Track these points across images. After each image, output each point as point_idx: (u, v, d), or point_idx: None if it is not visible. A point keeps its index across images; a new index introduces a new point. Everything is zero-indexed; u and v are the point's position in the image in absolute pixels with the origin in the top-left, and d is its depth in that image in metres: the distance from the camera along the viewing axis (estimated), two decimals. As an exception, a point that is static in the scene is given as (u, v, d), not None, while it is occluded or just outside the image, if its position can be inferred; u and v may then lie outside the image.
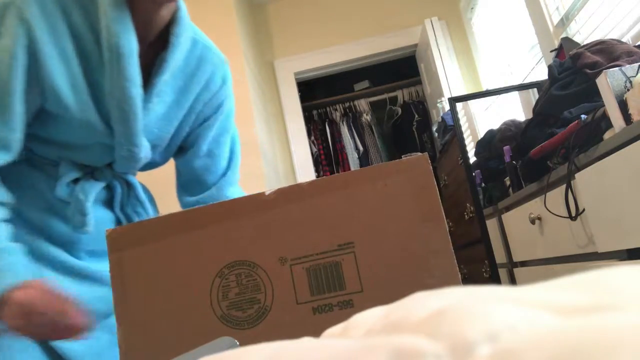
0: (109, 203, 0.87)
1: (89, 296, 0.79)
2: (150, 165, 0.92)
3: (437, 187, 0.55)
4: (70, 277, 0.80)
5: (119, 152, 0.80)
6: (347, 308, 0.53)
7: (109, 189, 0.86)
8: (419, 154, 0.56)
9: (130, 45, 0.74)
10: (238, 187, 1.01)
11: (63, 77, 0.73)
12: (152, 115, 0.81)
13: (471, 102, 2.66)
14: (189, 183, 0.97)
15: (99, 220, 0.82)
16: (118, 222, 0.87)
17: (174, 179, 1.00)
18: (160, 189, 1.06)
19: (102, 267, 0.83)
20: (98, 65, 0.75)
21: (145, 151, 0.81)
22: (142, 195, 0.90)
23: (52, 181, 0.81)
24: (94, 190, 0.81)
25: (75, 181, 0.82)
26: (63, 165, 0.81)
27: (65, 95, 0.74)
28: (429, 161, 0.55)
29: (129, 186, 0.88)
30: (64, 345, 0.76)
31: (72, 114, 0.75)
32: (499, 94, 2.20)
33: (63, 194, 0.80)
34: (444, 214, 0.54)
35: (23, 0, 0.71)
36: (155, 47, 0.81)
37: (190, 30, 0.84)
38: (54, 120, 0.77)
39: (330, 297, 0.54)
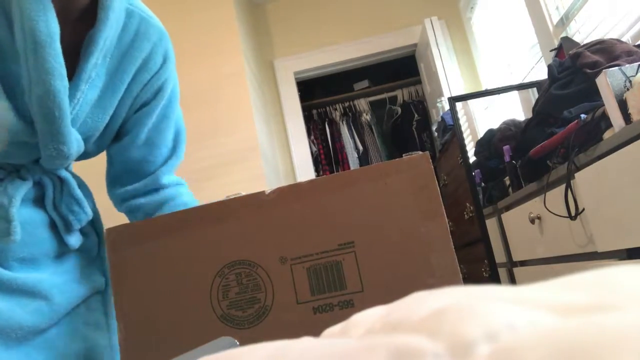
0: (39, 202, 0.75)
1: (20, 311, 0.68)
2: (84, 156, 0.80)
3: (437, 186, 0.55)
4: (1, 292, 0.69)
5: (45, 152, 0.68)
6: (347, 308, 0.53)
7: (39, 185, 0.75)
8: (420, 153, 0.56)
9: (50, 29, 0.61)
10: (174, 176, 0.88)
11: None
12: (83, 104, 0.69)
13: (471, 102, 2.67)
14: (123, 174, 0.85)
15: (28, 222, 0.71)
16: (52, 223, 0.75)
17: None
18: (97, 181, 0.90)
19: (35, 276, 0.71)
20: (13, 55, 0.63)
21: (76, 147, 0.70)
22: (78, 192, 0.77)
23: None
24: (20, 191, 0.70)
25: None
26: None
27: None
28: (430, 160, 0.55)
29: (62, 182, 0.76)
30: None
31: None
32: (499, 93, 2.20)
33: None
34: (445, 213, 0.54)
35: None
36: (83, 23, 0.69)
37: (124, 0, 0.71)
38: None
39: (330, 297, 0.54)
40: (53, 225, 0.75)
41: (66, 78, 0.64)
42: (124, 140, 0.81)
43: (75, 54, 0.68)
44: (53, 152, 0.67)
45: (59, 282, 0.73)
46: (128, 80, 0.75)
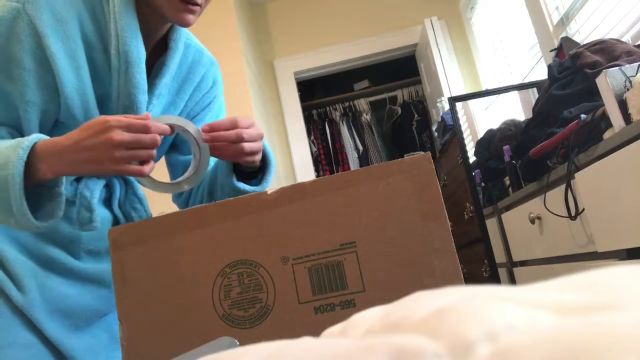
0: (107, 202, 0.87)
1: (88, 297, 0.81)
2: None
3: (439, 186, 0.55)
4: (70, 279, 0.81)
5: None
6: (349, 308, 0.53)
7: (107, 187, 0.86)
8: (422, 153, 0.56)
9: (139, 53, 0.75)
10: None
11: (74, 87, 0.74)
12: (152, 116, 0.81)
13: (471, 102, 2.66)
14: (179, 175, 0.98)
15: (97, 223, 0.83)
16: (116, 220, 0.87)
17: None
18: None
19: (100, 267, 0.84)
20: (105, 74, 0.77)
21: None
22: (140, 192, 0.90)
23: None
24: (97, 187, 0.81)
25: (77, 180, 0.82)
26: None
27: (74, 105, 0.74)
28: (432, 161, 0.56)
29: (127, 183, 0.88)
30: (65, 343, 0.77)
31: (78, 125, 0.75)
32: (499, 93, 2.20)
33: (67, 192, 0.80)
34: (446, 213, 0.54)
35: (34, 7, 0.70)
36: (153, 52, 0.84)
37: (184, 34, 0.88)
38: (60, 129, 0.77)
39: (332, 297, 0.54)
40: (117, 222, 0.86)
41: (147, 93, 0.78)
42: (177, 150, 0.96)
43: (147, 75, 0.81)
44: None
45: None
46: (187, 98, 0.91)
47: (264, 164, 0.86)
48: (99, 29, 0.76)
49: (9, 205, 0.65)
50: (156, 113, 0.84)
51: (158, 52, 0.84)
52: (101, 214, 0.84)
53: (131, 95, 0.76)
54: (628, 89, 1.01)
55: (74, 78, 0.74)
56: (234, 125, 0.73)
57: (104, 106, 0.78)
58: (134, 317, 0.57)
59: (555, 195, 1.25)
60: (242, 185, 0.84)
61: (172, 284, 0.57)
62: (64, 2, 0.73)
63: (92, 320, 0.82)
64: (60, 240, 0.81)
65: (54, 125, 0.78)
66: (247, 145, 0.74)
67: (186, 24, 0.76)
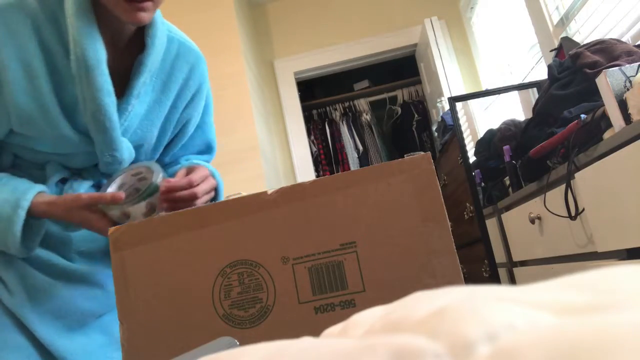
0: None
1: (80, 298, 0.81)
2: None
3: (439, 186, 0.55)
4: (62, 280, 0.81)
5: (102, 158, 0.80)
6: (349, 308, 0.53)
7: (97, 188, 0.86)
8: (422, 153, 0.56)
9: (97, 55, 0.73)
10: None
11: (29, 96, 0.73)
12: (133, 117, 0.81)
13: (471, 102, 2.66)
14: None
15: None
16: (113, 223, 0.87)
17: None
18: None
19: (93, 268, 0.84)
20: (70, 78, 0.75)
21: (128, 154, 0.82)
22: None
23: (40, 183, 0.81)
24: (82, 189, 0.82)
25: (64, 181, 0.82)
26: (50, 167, 0.82)
27: (32, 115, 0.74)
28: (432, 161, 0.56)
29: None
30: (56, 344, 0.77)
31: (44, 132, 0.75)
32: (499, 93, 2.20)
33: (52, 193, 0.80)
34: (446, 213, 0.54)
35: None
36: (131, 49, 0.81)
37: (165, 29, 0.84)
38: (31, 137, 0.77)
39: (332, 297, 0.54)
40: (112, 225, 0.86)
41: (114, 94, 0.76)
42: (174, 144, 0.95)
43: (126, 75, 0.80)
44: (109, 158, 0.80)
45: (111, 272, 0.83)
46: (173, 97, 0.87)
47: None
48: (60, 33, 0.74)
49: (5, 245, 0.74)
50: (139, 112, 0.82)
51: (136, 50, 0.81)
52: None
53: (96, 100, 0.74)
54: (628, 89, 1.01)
55: (29, 87, 0.73)
56: (189, 185, 0.75)
57: (72, 111, 0.77)
58: (134, 317, 0.57)
59: (555, 195, 1.25)
60: None
61: (172, 284, 0.57)
62: (18, 12, 0.72)
63: (86, 322, 0.82)
64: (50, 242, 0.81)
65: (10, 132, 0.78)
66: (199, 202, 0.78)
67: (139, 23, 0.73)
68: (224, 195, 0.89)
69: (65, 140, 0.77)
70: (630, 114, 0.97)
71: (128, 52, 0.81)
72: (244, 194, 0.59)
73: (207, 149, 1.01)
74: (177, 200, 0.75)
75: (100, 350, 0.81)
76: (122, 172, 0.80)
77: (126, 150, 0.81)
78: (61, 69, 0.75)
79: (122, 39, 0.80)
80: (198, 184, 0.77)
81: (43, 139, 0.77)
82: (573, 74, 1.36)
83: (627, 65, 1.07)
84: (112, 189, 0.78)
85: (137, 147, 0.85)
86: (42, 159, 0.82)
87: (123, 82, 0.79)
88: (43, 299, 0.78)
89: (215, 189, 0.85)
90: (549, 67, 1.48)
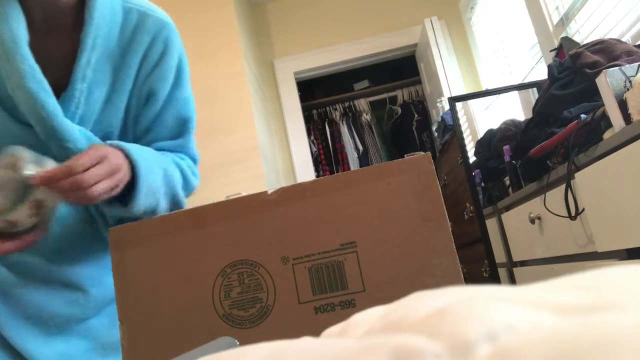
0: None
1: (58, 302, 0.75)
2: None
3: (439, 186, 0.55)
4: (40, 283, 0.75)
5: (53, 151, 0.71)
6: (349, 308, 0.53)
7: None
8: (422, 153, 0.56)
9: (15, 37, 0.66)
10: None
11: None
12: (91, 103, 0.73)
13: (471, 102, 2.67)
14: None
15: (65, 217, 0.76)
16: (91, 219, 0.79)
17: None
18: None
19: (73, 269, 0.77)
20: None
21: (86, 144, 0.72)
22: None
23: None
24: None
25: None
26: None
27: None
28: (432, 161, 0.56)
29: None
30: (32, 351, 0.72)
31: None
32: (499, 93, 2.20)
33: None
34: (446, 213, 0.54)
35: None
36: (74, 31, 0.73)
37: (115, 2, 0.75)
38: None
39: (332, 297, 0.54)
40: (92, 221, 0.79)
41: (43, 79, 0.68)
42: (152, 130, 0.84)
43: (74, 58, 0.71)
44: (60, 150, 0.70)
45: (95, 274, 0.78)
46: (133, 74, 0.77)
47: (135, 184, 0.71)
48: None
49: None
50: (98, 99, 0.74)
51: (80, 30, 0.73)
52: (70, 212, 0.77)
53: (23, 87, 0.66)
54: (628, 89, 1.01)
55: None
56: (67, 173, 0.61)
57: (9, 100, 0.70)
58: (134, 317, 0.57)
59: (555, 195, 1.25)
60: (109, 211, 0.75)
61: (172, 284, 0.57)
62: None
63: (66, 327, 0.76)
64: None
65: None
66: (95, 189, 0.63)
67: None
68: (177, 181, 0.79)
69: (8, 133, 0.70)
70: (630, 114, 0.97)
71: (73, 33, 0.72)
72: (244, 194, 0.59)
73: (181, 130, 0.87)
74: (61, 191, 0.62)
75: (83, 355, 0.76)
76: None
77: (83, 140, 0.72)
78: None
79: (57, 18, 0.71)
80: (85, 169, 0.62)
81: None
82: (573, 74, 1.36)
83: (627, 65, 1.07)
84: None
85: (105, 136, 0.77)
86: None
87: (70, 66, 0.71)
88: (19, 303, 0.73)
89: (133, 171, 0.70)
90: (549, 67, 1.48)
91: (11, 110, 0.70)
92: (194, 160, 0.90)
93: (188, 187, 0.86)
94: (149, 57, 0.78)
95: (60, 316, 0.75)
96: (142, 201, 0.72)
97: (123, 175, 0.68)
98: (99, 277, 0.79)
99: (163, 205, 0.78)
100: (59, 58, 0.70)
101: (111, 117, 0.77)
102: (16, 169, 0.61)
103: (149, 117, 0.82)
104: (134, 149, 0.71)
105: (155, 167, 0.74)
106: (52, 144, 0.70)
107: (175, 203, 0.81)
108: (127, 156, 0.70)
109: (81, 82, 0.71)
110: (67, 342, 0.75)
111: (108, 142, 0.71)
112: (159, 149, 0.83)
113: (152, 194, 0.73)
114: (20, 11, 0.67)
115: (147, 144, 0.82)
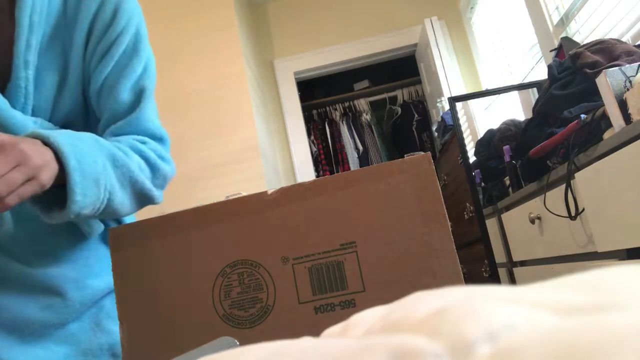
0: None
1: (33, 307, 0.68)
2: None
3: (439, 187, 0.55)
4: (13, 288, 0.68)
5: None
6: (349, 308, 0.53)
7: None
8: (422, 153, 0.56)
9: None
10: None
11: None
12: (42, 90, 0.65)
13: (471, 102, 2.67)
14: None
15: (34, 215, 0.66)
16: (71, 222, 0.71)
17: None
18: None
19: (50, 271, 0.69)
20: None
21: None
22: None
23: None
24: None
25: None
26: None
27: None
28: (432, 161, 0.56)
29: None
30: (6, 357, 0.66)
31: None
32: (499, 93, 2.20)
33: None
34: (446, 213, 0.54)
35: None
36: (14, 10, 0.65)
37: None
38: None
39: (332, 297, 0.54)
40: (72, 224, 0.72)
41: None
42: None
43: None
44: None
45: (74, 276, 0.72)
46: (82, 50, 0.69)
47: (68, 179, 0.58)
48: None
49: None
50: (51, 85, 0.66)
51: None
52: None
53: None
54: (628, 89, 1.01)
55: None
56: None
57: None
58: (134, 317, 0.57)
59: (555, 195, 1.25)
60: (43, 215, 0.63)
61: (172, 284, 0.57)
62: None
63: (43, 333, 0.69)
64: (2, 244, 0.67)
65: None
66: (11, 199, 0.52)
67: None
68: (138, 170, 0.68)
69: None
70: (630, 114, 0.97)
71: (9, 14, 0.65)
72: (244, 194, 0.59)
73: (136, 102, 0.75)
74: None
75: None
76: None
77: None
78: None
79: None
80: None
81: None
82: (573, 74, 1.36)
83: (627, 65, 1.07)
84: None
85: (66, 125, 0.69)
86: None
87: (10, 51, 0.63)
88: None
89: (62, 164, 0.57)
90: (549, 67, 1.48)
91: None
92: (160, 140, 0.77)
93: (158, 175, 0.73)
94: (97, 25, 0.69)
95: (35, 322, 0.68)
96: (81, 198, 0.59)
97: (48, 173, 0.56)
98: (79, 280, 0.72)
99: (122, 201, 0.66)
100: None
101: (70, 102, 0.68)
102: None
103: (103, 93, 0.71)
104: (60, 136, 0.58)
105: (95, 156, 0.61)
106: None
107: (142, 195, 0.70)
108: (48, 145, 0.57)
109: (24, 69, 0.63)
110: (45, 349, 0.69)
111: (28, 132, 0.59)
112: (117, 135, 0.72)
113: (94, 187, 0.60)
114: None
115: (104, 129, 0.73)
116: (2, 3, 0.64)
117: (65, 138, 0.58)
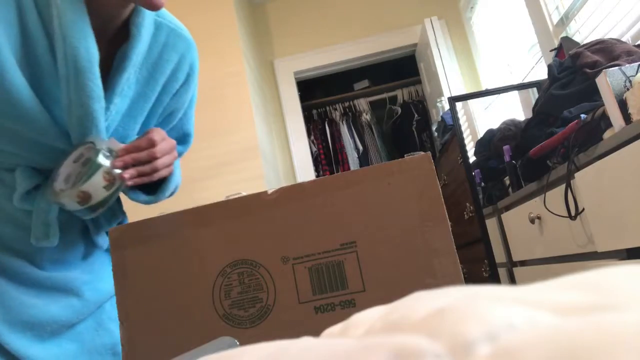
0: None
1: (54, 307, 0.75)
2: None
3: (439, 186, 0.55)
4: (34, 289, 0.75)
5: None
6: (349, 307, 0.53)
7: None
8: (422, 153, 0.56)
9: (90, 56, 0.63)
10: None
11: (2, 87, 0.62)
12: (115, 114, 0.72)
13: (471, 102, 2.67)
14: None
15: (64, 227, 0.75)
16: (84, 227, 0.80)
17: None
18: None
19: (66, 274, 0.77)
20: (51, 75, 0.66)
21: None
22: None
23: (9, 189, 0.72)
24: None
25: (37, 187, 0.72)
26: (19, 172, 0.71)
27: (4, 108, 0.64)
28: (432, 161, 0.56)
29: None
30: (26, 355, 0.71)
31: (16, 129, 0.66)
32: (499, 93, 2.20)
33: (23, 203, 0.72)
34: (446, 213, 0.54)
35: None
36: (112, 40, 0.71)
37: (152, 14, 0.73)
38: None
39: (332, 297, 0.54)
40: (85, 228, 0.80)
41: (103, 99, 0.67)
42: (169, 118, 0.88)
43: (108, 68, 0.70)
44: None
45: (88, 279, 0.79)
46: (158, 90, 0.78)
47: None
48: (44, 24, 0.63)
49: None
50: (121, 109, 0.73)
51: (119, 39, 0.71)
52: (68, 221, 0.76)
53: (85, 106, 0.65)
54: (628, 89, 1.01)
55: (5, 77, 0.61)
56: (150, 144, 0.70)
57: (54, 106, 0.67)
58: (134, 317, 0.57)
59: (555, 195, 1.25)
60: (136, 197, 0.78)
61: (173, 284, 0.57)
62: None
63: (59, 331, 0.75)
64: (21, 252, 0.74)
65: None
66: (160, 162, 0.71)
67: (156, 7, 0.64)
68: (178, 179, 0.84)
69: (41, 135, 0.68)
70: (630, 113, 0.97)
71: (111, 43, 0.71)
72: (244, 194, 0.59)
73: (183, 139, 0.93)
74: (136, 160, 0.68)
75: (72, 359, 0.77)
76: (61, 165, 0.69)
77: None
78: (42, 63, 0.65)
79: (111, 30, 0.70)
80: (158, 144, 0.70)
81: (14, 132, 0.67)
82: (573, 73, 1.36)
83: (627, 65, 1.07)
84: (59, 184, 0.68)
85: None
86: (10, 161, 0.71)
87: (105, 76, 0.68)
88: (15, 309, 0.72)
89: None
90: (549, 67, 1.48)
91: (54, 115, 0.68)
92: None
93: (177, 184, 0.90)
94: (175, 79, 0.80)
95: (56, 321, 0.75)
96: (171, 184, 0.80)
97: (175, 154, 0.76)
98: (92, 282, 0.80)
99: (170, 194, 0.84)
100: (100, 69, 0.68)
101: (128, 129, 0.77)
102: (91, 153, 0.67)
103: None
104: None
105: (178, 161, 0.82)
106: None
107: (172, 193, 0.86)
108: None
109: (118, 97, 0.71)
110: (59, 347, 0.75)
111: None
112: None
113: (176, 179, 0.81)
114: (89, 25, 0.64)
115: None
116: (109, 34, 0.70)
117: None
